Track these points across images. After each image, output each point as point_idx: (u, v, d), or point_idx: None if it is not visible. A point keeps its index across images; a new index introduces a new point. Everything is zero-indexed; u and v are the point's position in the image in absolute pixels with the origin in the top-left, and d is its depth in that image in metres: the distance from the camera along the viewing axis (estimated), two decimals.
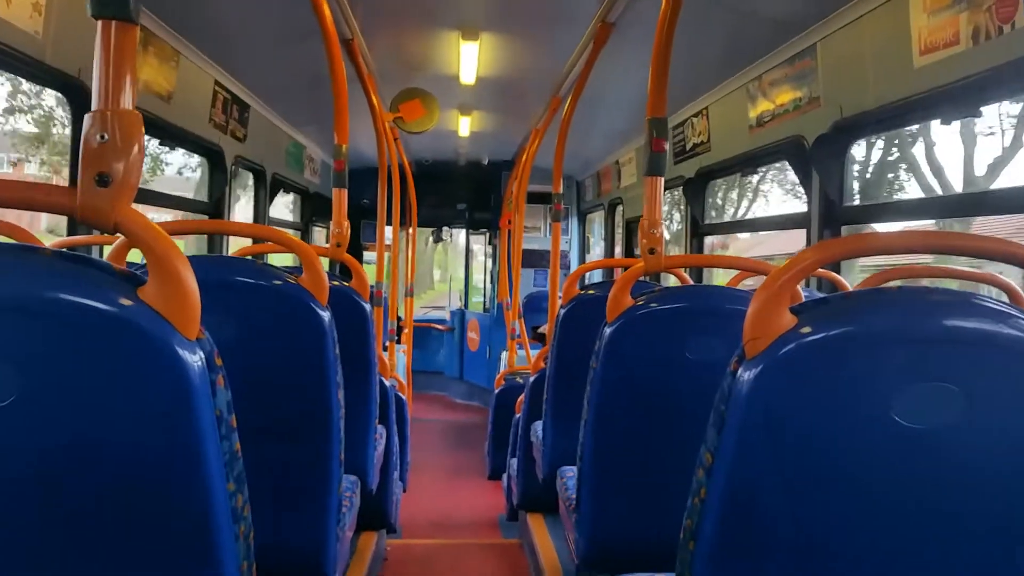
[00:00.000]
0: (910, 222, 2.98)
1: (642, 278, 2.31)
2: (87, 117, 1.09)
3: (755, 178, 8.55)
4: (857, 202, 3.27)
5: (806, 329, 1.16)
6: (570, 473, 2.64)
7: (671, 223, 6.71)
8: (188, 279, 1.05)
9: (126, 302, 1.02)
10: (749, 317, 1.18)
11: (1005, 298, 2.33)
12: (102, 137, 1.08)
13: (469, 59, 4.33)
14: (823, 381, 1.16)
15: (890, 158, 8.95)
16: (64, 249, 1.13)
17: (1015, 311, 1.19)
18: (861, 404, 1.16)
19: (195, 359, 1.04)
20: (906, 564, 1.22)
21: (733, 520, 1.21)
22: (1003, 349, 1.15)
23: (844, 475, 1.18)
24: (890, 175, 9.06)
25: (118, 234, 1.11)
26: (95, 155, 1.07)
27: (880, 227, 3.38)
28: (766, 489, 1.18)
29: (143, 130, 1.12)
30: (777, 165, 5.01)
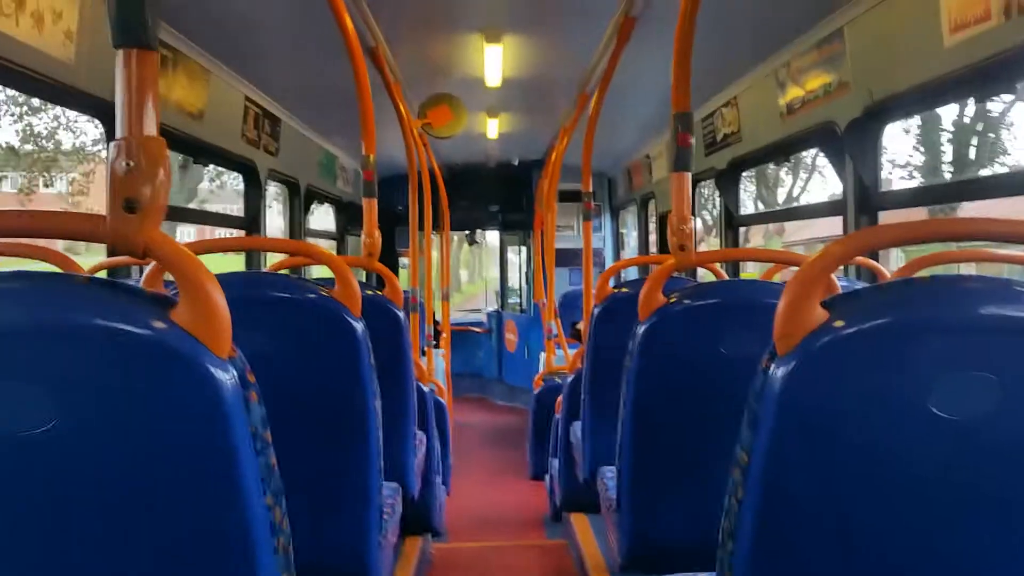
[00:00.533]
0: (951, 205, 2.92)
1: (676, 274, 2.30)
2: (112, 145, 1.11)
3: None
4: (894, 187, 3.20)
5: (838, 323, 1.14)
6: (610, 473, 2.63)
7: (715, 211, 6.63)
8: (218, 298, 1.07)
9: (158, 324, 1.04)
10: (779, 313, 1.17)
11: None
12: (128, 164, 1.10)
13: (493, 61, 4.33)
14: (856, 376, 1.14)
15: None
16: (101, 273, 1.15)
17: None
18: (896, 397, 1.14)
19: (227, 377, 1.05)
20: (948, 556, 1.19)
21: (771, 519, 1.19)
22: None
23: (882, 469, 1.16)
24: None
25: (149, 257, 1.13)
26: (122, 182, 1.09)
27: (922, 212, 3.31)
28: (803, 487, 1.16)
29: (168, 155, 1.14)
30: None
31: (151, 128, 1.13)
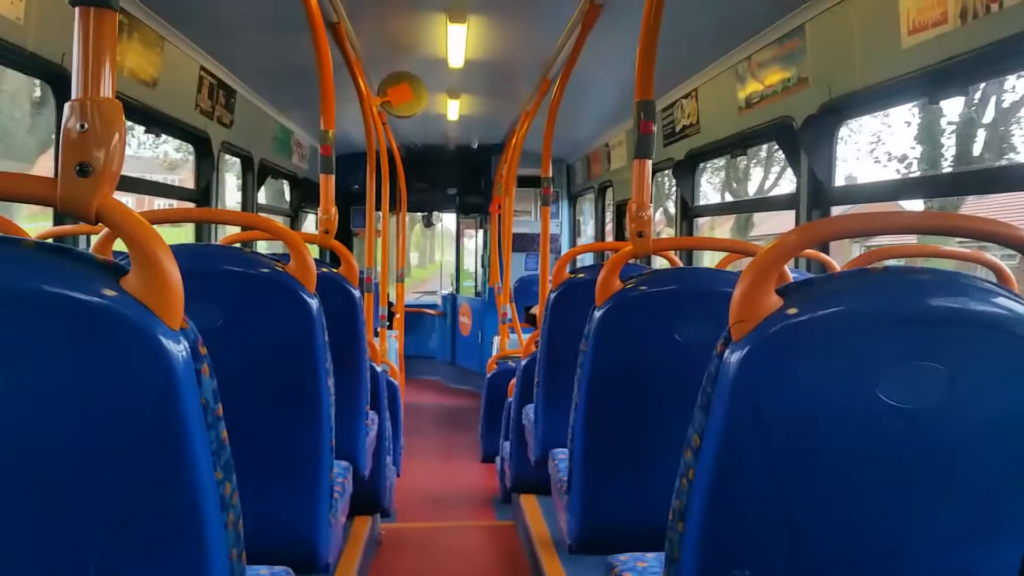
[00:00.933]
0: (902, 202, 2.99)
1: (633, 261, 2.31)
2: (67, 106, 1.08)
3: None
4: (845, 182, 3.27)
5: (792, 311, 1.16)
6: (561, 455, 2.65)
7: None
8: (170, 268, 1.04)
9: (108, 292, 1.01)
10: (735, 300, 1.19)
11: (994, 278, 2.34)
12: (82, 126, 1.07)
13: (457, 42, 4.30)
14: (809, 362, 1.17)
15: None
16: (48, 240, 1.12)
17: (1001, 290, 1.19)
18: (847, 384, 1.16)
19: (179, 348, 1.03)
20: (891, 541, 1.23)
21: (720, 500, 1.21)
22: (988, 328, 1.16)
23: (830, 454, 1.19)
24: None
25: (101, 224, 1.10)
26: (75, 145, 1.06)
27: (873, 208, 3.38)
28: (753, 469, 1.19)
29: (123, 119, 1.11)
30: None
31: (107, 90, 1.09)
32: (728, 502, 1.22)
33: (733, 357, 1.17)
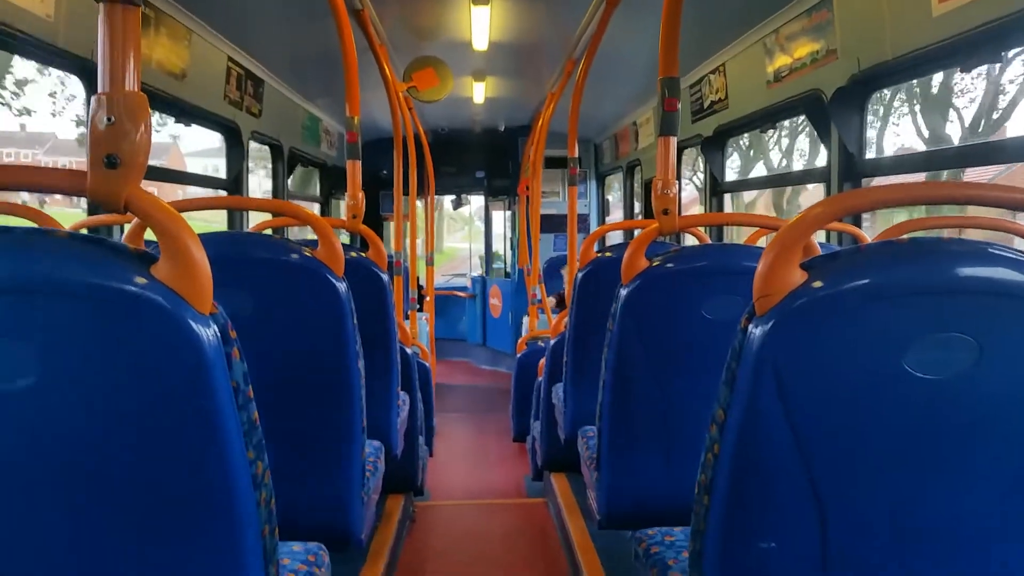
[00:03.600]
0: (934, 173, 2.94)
1: (660, 239, 2.31)
2: (93, 100, 1.10)
3: None
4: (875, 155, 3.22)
5: (816, 284, 1.15)
6: (591, 433, 2.66)
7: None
8: (198, 255, 1.07)
9: (139, 280, 1.04)
10: (759, 274, 1.18)
11: None
12: (109, 119, 1.09)
13: (480, 24, 4.29)
14: (834, 335, 1.16)
15: None
16: (81, 231, 1.15)
17: None
18: (872, 357, 1.16)
19: (209, 333, 1.06)
20: (918, 513, 1.23)
21: (745, 474, 1.22)
22: (1017, 297, 1.15)
23: (855, 427, 1.19)
24: None
25: (130, 214, 1.13)
26: (103, 137, 1.09)
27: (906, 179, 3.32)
28: (777, 443, 1.19)
29: (149, 111, 1.13)
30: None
31: (133, 84, 1.12)
32: (753, 476, 1.22)
33: (757, 331, 1.17)
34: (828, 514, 1.23)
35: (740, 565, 1.29)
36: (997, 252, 1.18)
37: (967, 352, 1.15)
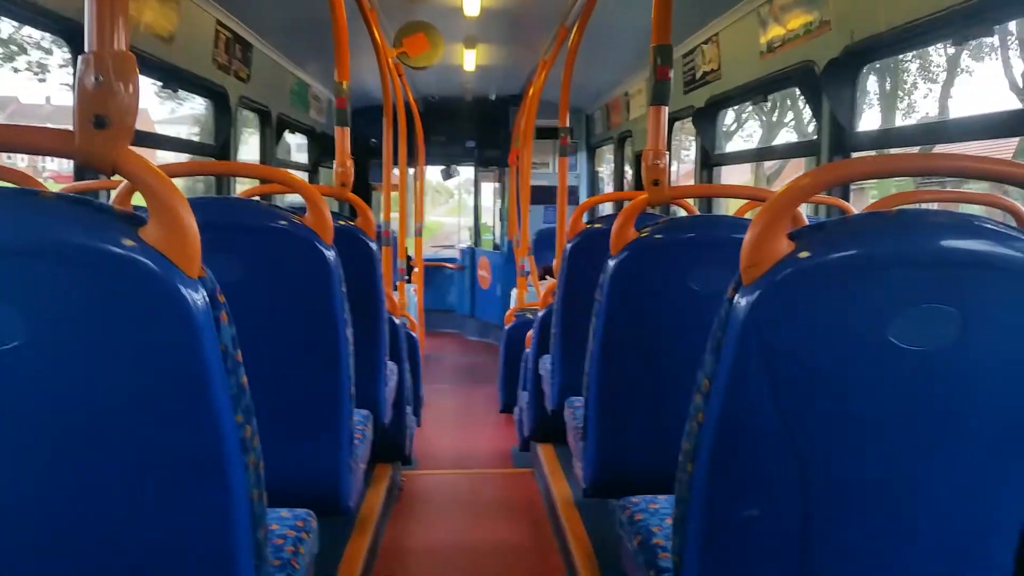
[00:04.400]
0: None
1: (649, 210, 2.30)
2: (81, 59, 1.09)
3: None
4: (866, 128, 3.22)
5: (803, 254, 1.16)
6: (577, 403, 2.68)
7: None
8: (187, 218, 1.06)
9: (128, 242, 1.03)
10: (746, 244, 1.19)
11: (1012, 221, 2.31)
12: (97, 79, 1.08)
13: None
14: (819, 305, 1.17)
15: None
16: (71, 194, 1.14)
17: (1015, 232, 1.18)
18: (857, 327, 1.17)
19: (197, 296, 1.06)
20: (901, 481, 1.25)
21: (729, 442, 1.23)
22: (1002, 270, 1.16)
23: (838, 397, 1.20)
24: None
25: (119, 176, 1.12)
26: (91, 97, 1.08)
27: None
28: (761, 411, 1.20)
29: (137, 71, 1.12)
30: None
31: (121, 43, 1.10)
32: (737, 443, 1.24)
33: (743, 301, 1.17)
34: (810, 482, 1.24)
35: (723, 532, 1.31)
36: (982, 225, 1.18)
37: (951, 324, 1.16)
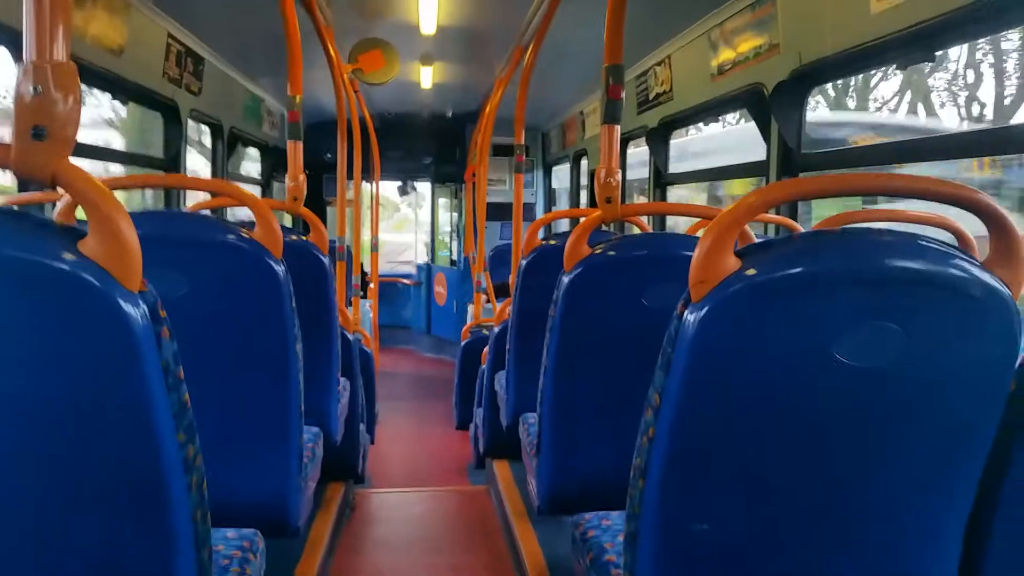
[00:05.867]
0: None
1: (603, 227, 2.32)
2: (19, 69, 1.06)
3: None
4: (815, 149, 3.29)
5: (750, 272, 1.18)
6: (532, 419, 2.68)
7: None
8: (127, 231, 1.04)
9: (66, 255, 1.01)
10: (695, 261, 1.20)
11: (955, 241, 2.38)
12: (36, 89, 1.05)
13: (428, 7, 4.25)
14: (766, 322, 1.19)
15: None
16: (11, 206, 1.11)
17: (956, 251, 1.21)
18: (803, 343, 1.19)
19: (137, 311, 1.03)
20: (847, 496, 1.27)
21: (680, 458, 1.24)
22: (944, 288, 1.18)
23: (786, 413, 1.22)
24: None
25: (59, 189, 1.09)
26: (29, 108, 1.05)
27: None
28: (711, 427, 1.21)
29: (79, 81, 1.09)
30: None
31: (62, 53, 1.08)
32: (686, 459, 1.24)
33: (691, 317, 1.19)
34: (759, 496, 1.26)
35: (674, 547, 1.31)
36: (924, 244, 1.21)
37: (894, 341, 1.18)
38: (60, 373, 1.03)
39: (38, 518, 1.08)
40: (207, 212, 3.43)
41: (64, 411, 1.04)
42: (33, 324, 1.02)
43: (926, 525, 1.32)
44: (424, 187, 10.26)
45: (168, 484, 1.09)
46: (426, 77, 6.30)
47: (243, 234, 1.92)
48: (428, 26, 4.60)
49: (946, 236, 2.28)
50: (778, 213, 3.08)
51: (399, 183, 9.99)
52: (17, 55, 2.80)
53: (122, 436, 1.06)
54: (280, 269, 1.94)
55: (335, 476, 3.61)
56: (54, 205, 2.93)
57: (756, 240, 1.71)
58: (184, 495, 1.12)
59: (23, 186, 2.90)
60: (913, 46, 2.50)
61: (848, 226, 2.54)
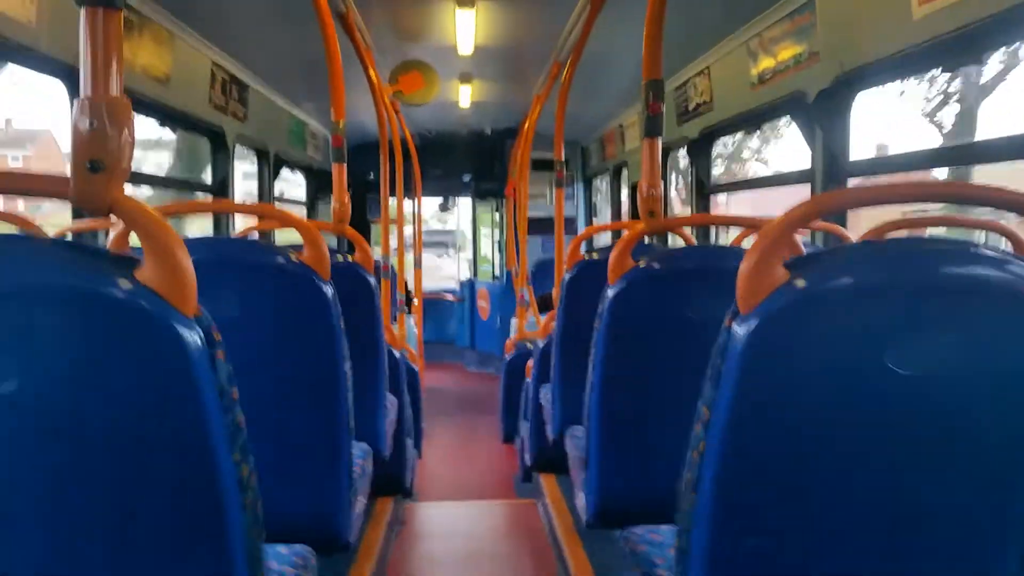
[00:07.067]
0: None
1: (647, 240, 2.32)
2: (76, 104, 1.10)
3: None
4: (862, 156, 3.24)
5: (799, 283, 1.16)
6: (578, 433, 2.67)
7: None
8: (182, 258, 1.07)
9: (123, 283, 1.04)
10: (742, 273, 1.19)
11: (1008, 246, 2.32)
12: (92, 124, 1.09)
13: (465, 28, 4.30)
14: (816, 334, 1.17)
15: None
16: (66, 236, 1.15)
17: (1011, 257, 1.19)
18: (855, 355, 1.17)
19: (193, 335, 1.06)
20: (903, 508, 1.24)
21: (731, 471, 1.23)
22: (998, 295, 1.16)
23: (838, 425, 1.20)
24: None
25: (114, 219, 1.13)
26: (86, 142, 1.09)
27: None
28: (762, 440, 1.20)
29: (132, 115, 1.13)
30: None
31: (115, 88, 1.12)
32: (738, 473, 1.23)
33: (740, 330, 1.18)
34: (812, 508, 1.24)
35: (726, 562, 1.30)
36: (977, 251, 1.19)
37: (949, 350, 1.16)
38: (119, 397, 1.06)
39: (96, 538, 1.11)
40: (255, 235, 3.50)
41: (123, 433, 1.07)
42: (92, 351, 1.05)
43: (986, 536, 1.29)
44: (465, 203, 10.33)
45: (224, 503, 1.11)
46: (465, 96, 6.36)
47: (292, 257, 1.96)
48: (466, 47, 4.65)
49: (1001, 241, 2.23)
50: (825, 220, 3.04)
51: (440, 200, 10.06)
52: (71, 89, 2.90)
53: (180, 456, 1.09)
54: (329, 290, 1.97)
55: (384, 491, 3.64)
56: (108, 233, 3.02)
57: (804, 248, 1.69)
58: (239, 514, 1.14)
59: (77, 215, 2.99)
60: (959, 49, 2.45)
61: (898, 235, 2.50)
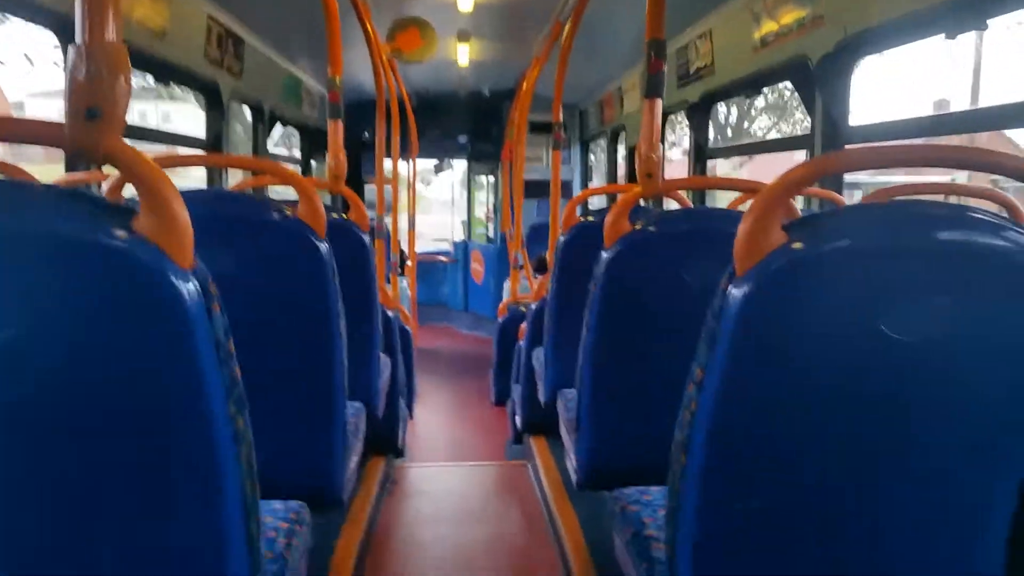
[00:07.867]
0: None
1: (643, 203, 2.31)
2: (72, 50, 1.08)
3: None
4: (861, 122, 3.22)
5: (796, 245, 1.16)
6: (570, 395, 2.69)
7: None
8: (179, 208, 1.06)
9: (119, 232, 1.03)
10: (740, 235, 1.19)
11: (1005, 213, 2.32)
12: (88, 70, 1.07)
13: None
14: (812, 296, 1.17)
15: None
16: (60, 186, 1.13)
17: (1008, 224, 1.19)
18: (850, 318, 1.17)
19: (190, 286, 1.05)
20: (895, 470, 1.25)
21: (722, 432, 1.23)
22: (995, 261, 1.16)
23: (831, 387, 1.20)
24: None
25: (108, 169, 1.12)
26: (81, 88, 1.07)
27: None
28: (755, 401, 1.20)
29: (128, 62, 1.11)
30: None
31: (112, 35, 1.10)
32: (729, 433, 1.24)
33: (737, 292, 1.18)
34: (804, 471, 1.25)
35: (716, 522, 1.31)
36: (975, 216, 1.19)
37: (943, 315, 1.16)
38: (113, 347, 1.06)
39: (88, 489, 1.11)
40: (249, 191, 3.48)
41: (117, 384, 1.07)
42: (87, 300, 1.04)
43: (976, 501, 1.30)
44: (460, 164, 10.26)
45: (218, 454, 1.12)
46: (463, 54, 6.28)
47: (288, 213, 1.95)
48: (465, 3, 4.58)
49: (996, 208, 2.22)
50: (823, 187, 3.03)
51: (435, 161, 10.00)
52: (63, 39, 2.85)
53: (175, 407, 1.09)
54: (324, 247, 1.96)
55: (376, 451, 3.67)
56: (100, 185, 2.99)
57: (801, 214, 1.69)
58: (234, 466, 1.15)
59: (70, 165, 2.96)
60: (964, 13, 2.43)
61: (896, 199, 2.49)
